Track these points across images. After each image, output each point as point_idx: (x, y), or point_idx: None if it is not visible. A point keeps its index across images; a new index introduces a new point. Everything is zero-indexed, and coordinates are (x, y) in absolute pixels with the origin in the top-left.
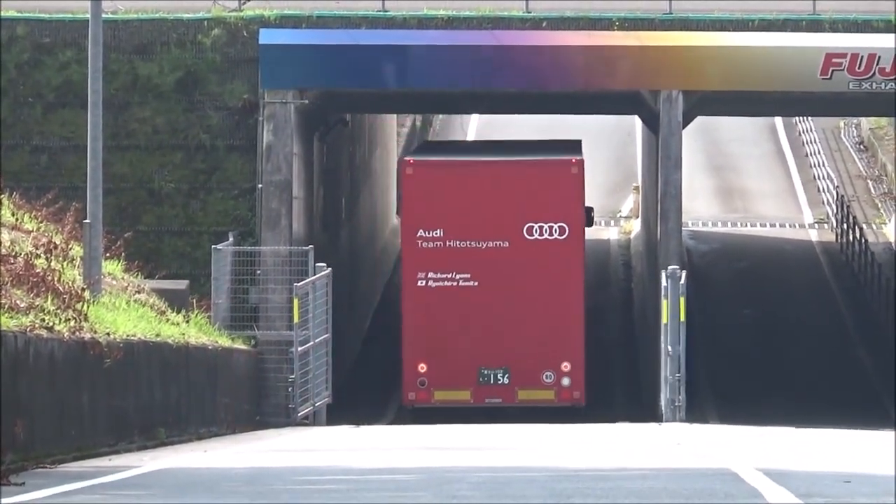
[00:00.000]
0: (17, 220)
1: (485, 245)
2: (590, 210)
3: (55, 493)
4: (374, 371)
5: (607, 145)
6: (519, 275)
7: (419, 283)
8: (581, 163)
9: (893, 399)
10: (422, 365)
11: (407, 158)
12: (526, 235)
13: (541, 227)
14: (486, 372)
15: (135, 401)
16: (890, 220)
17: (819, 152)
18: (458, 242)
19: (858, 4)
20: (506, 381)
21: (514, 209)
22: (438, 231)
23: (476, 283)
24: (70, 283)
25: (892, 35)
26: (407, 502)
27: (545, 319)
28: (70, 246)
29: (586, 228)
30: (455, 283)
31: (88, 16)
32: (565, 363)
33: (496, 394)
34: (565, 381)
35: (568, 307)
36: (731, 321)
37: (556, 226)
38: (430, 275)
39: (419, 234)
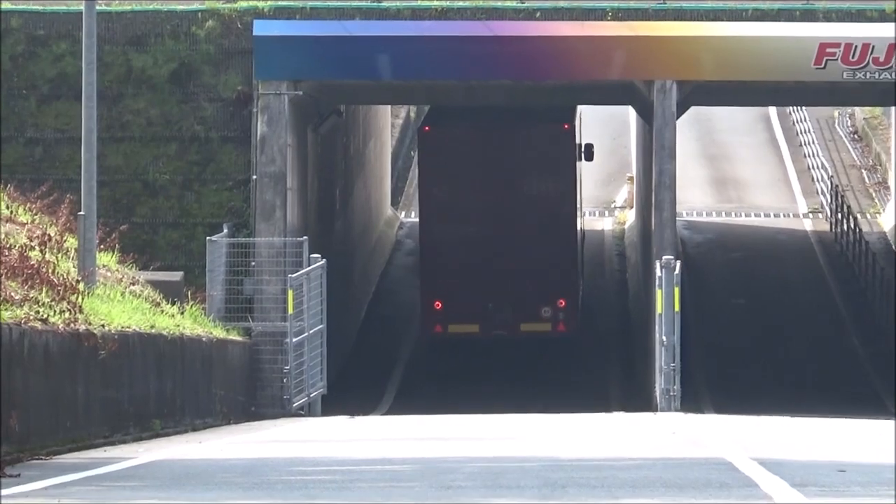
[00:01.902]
0: (11, 212)
1: (491, 198)
2: (590, 146)
3: (50, 485)
4: (369, 361)
5: (601, 135)
6: (520, 223)
7: (434, 233)
8: (572, 127)
9: (893, 394)
10: (437, 302)
11: (424, 125)
12: (526, 189)
13: (539, 182)
14: (492, 308)
15: (130, 392)
16: (884, 210)
17: (813, 142)
18: (467, 195)
19: None
20: (510, 315)
21: (515, 166)
22: (450, 186)
23: (483, 231)
24: (65, 275)
25: (886, 24)
26: (402, 492)
27: (543, 262)
28: (64, 238)
29: (587, 164)
30: (465, 232)
31: (82, 8)
32: (561, 299)
33: (502, 327)
34: (561, 315)
35: (563, 251)
36: (726, 311)
37: (551, 181)
38: (444, 225)
39: (434, 189)
